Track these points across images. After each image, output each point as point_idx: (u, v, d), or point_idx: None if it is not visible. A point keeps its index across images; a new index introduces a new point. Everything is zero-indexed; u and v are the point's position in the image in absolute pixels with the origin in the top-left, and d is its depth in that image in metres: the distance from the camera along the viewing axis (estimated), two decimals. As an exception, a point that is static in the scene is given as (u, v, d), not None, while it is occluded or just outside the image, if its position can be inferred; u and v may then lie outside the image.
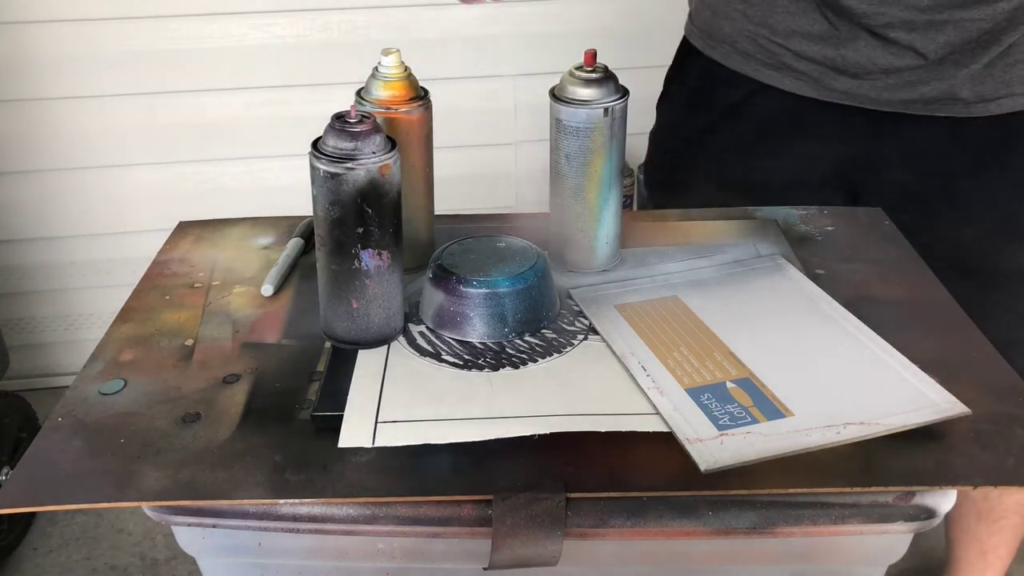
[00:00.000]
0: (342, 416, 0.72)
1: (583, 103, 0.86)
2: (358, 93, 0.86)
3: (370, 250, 0.77)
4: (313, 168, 0.76)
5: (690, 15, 1.20)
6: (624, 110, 0.87)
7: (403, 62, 0.85)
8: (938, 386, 0.74)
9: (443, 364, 0.79)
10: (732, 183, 1.14)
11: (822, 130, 1.11)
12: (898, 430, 0.70)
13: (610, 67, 0.87)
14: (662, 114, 1.26)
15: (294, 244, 0.96)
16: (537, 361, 0.79)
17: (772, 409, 0.72)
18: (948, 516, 1.32)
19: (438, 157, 0.91)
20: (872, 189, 1.11)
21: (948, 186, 1.09)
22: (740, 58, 1.11)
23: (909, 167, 1.09)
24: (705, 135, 1.18)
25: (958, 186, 1.08)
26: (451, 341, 0.81)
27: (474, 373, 0.77)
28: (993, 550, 1.32)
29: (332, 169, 0.75)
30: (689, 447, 0.68)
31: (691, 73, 1.19)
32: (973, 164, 1.07)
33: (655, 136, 1.28)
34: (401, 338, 0.82)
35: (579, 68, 0.87)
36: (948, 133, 1.06)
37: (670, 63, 1.24)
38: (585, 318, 0.85)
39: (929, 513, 0.68)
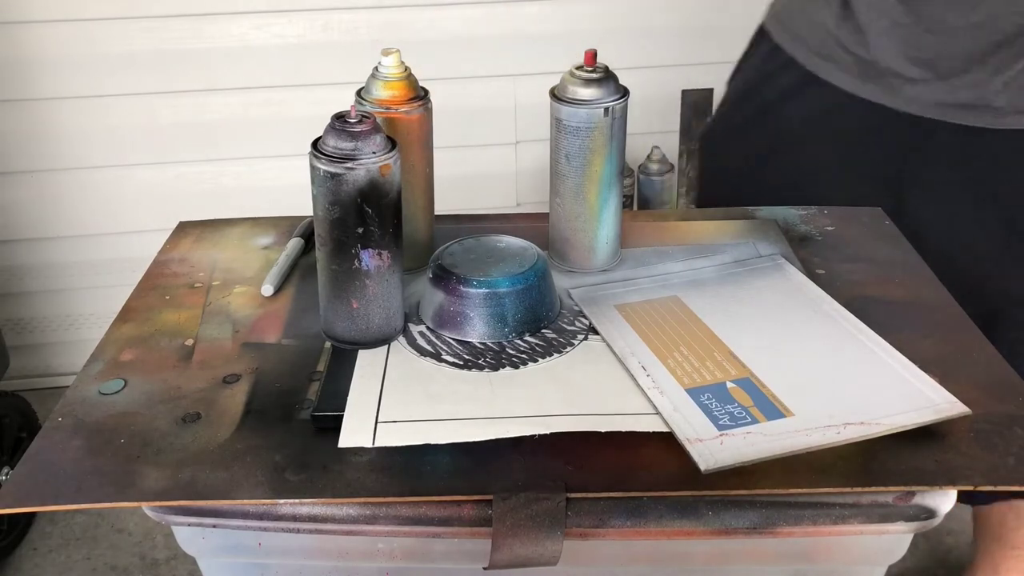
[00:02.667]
0: (342, 416, 0.72)
1: (583, 103, 0.86)
2: (358, 93, 0.86)
3: (370, 250, 0.77)
4: (313, 168, 0.76)
5: None
6: (624, 110, 0.87)
7: (403, 62, 0.85)
8: (938, 386, 0.74)
9: (443, 364, 0.79)
10: (770, 178, 1.15)
11: (860, 131, 1.11)
12: (898, 430, 0.70)
13: (610, 67, 0.87)
14: (728, 93, 1.27)
15: (294, 244, 0.96)
16: (537, 361, 0.79)
17: (772, 409, 0.72)
18: (976, 528, 1.31)
19: (438, 157, 0.91)
20: (906, 192, 1.11)
21: (981, 193, 1.08)
22: (801, 47, 1.12)
23: (942, 173, 1.08)
24: (754, 124, 1.19)
25: (991, 193, 1.07)
26: (451, 341, 0.81)
27: (474, 373, 0.77)
28: (1006, 573, 1.32)
29: (332, 169, 0.75)
30: (689, 447, 0.68)
31: (756, 55, 1.21)
32: (1008, 174, 1.06)
33: (718, 110, 1.29)
34: (401, 338, 0.82)
35: (579, 68, 0.87)
36: (981, 142, 1.05)
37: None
38: (585, 318, 0.85)
39: (929, 513, 0.68)
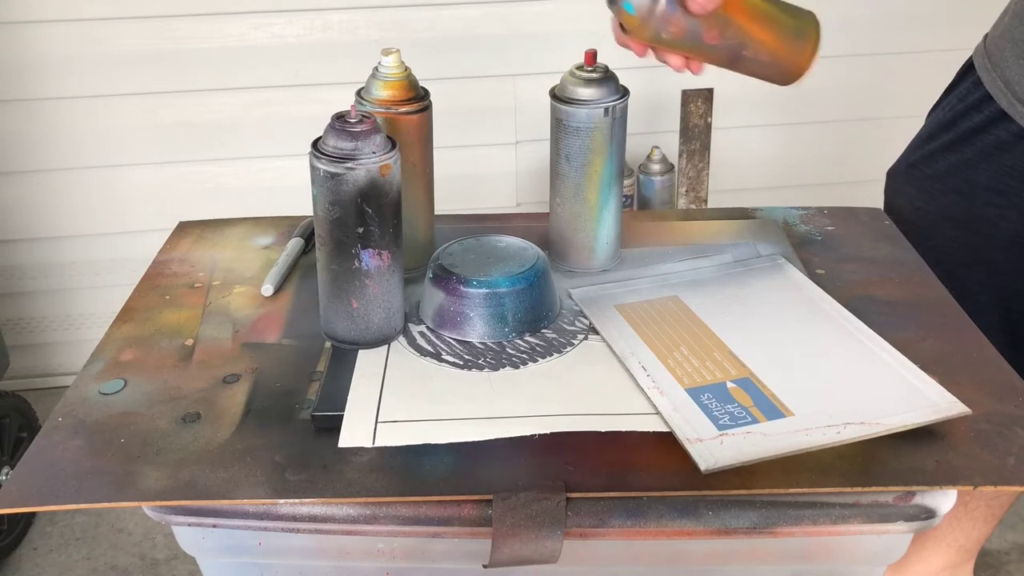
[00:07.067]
0: (342, 416, 0.72)
1: (583, 103, 0.86)
2: (358, 93, 0.86)
3: (370, 250, 0.77)
4: (313, 168, 0.76)
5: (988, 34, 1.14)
6: (624, 110, 0.87)
7: (403, 62, 0.85)
8: (938, 386, 0.74)
9: (443, 364, 0.79)
10: (951, 215, 1.08)
11: None
12: (898, 430, 0.70)
13: (610, 67, 0.87)
14: (928, 123, 1.19)
15: (294, 244, 0.96)
16: (537, 361, 0.79)
17: (772, 409, 0.72)
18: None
19: (438, 157, 0.91)
20: None
21: None
22: (1001, 85, 1.05)
23: None
24: (941, 155, 1.12)
25: None
26: (451, 341, 0.81)
27: (474, 373, 0.77)
28: None
29: (332, 169, 0.75)
30: (689, 447, 0.68)
31: (957, 90, 1.13)
32: None
33: (911, 143, 1.21)
34: (401, 338, 0.82)
35: (579, 68, 0.87)
36: None
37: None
38: (585, 318, 0.85)
39: (929, 513, 0.68)
